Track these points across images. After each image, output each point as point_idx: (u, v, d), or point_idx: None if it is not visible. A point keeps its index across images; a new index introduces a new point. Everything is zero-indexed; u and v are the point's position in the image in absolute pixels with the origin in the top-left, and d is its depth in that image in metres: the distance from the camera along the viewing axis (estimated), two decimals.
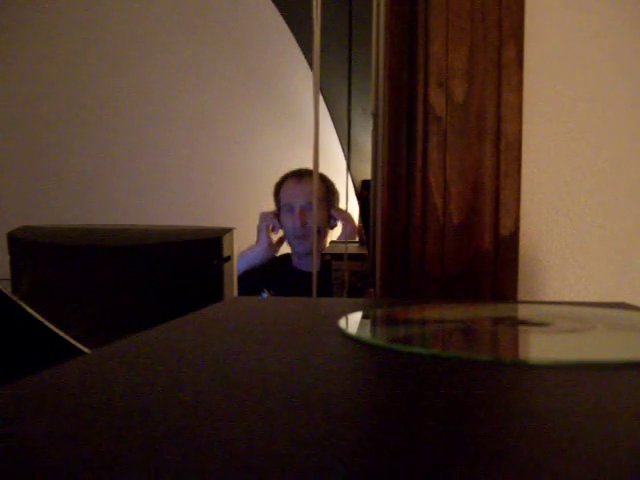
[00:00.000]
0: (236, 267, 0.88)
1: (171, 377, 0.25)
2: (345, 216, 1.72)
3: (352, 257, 1.20)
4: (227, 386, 0.24)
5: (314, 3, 0.71)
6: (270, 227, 1.71)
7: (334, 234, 1.81)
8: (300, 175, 1.71)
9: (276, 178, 1.78)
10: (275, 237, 1.74)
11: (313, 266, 0.87)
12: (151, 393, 0.22)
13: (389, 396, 0.23)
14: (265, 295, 1.63)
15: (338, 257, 1.18)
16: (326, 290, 1.26)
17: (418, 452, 0.17)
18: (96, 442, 0.17)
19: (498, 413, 0.21)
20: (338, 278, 1.16)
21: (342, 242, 1.62)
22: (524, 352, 0.34)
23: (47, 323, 0.57)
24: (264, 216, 1.72)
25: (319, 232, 1.68)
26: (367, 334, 0.38)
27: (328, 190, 1.73)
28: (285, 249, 1.78)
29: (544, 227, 0.62)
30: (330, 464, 0.16)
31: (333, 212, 1.71)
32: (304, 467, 0.15)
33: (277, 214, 1.73)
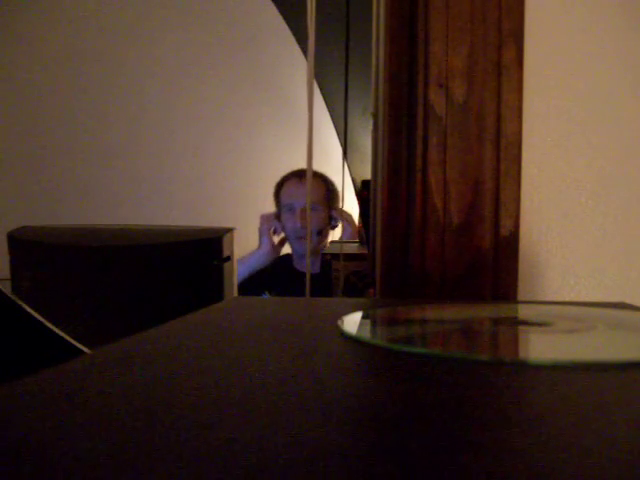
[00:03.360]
0: (236, 267, 0.88)
1: (171, 377, 0.25)
2: (346, 216, 1.72)
3: (352, 257, 1.20)
4: (227, 386, 0.24)
5: (308, 6, 0.71)
6: (272, 229, 1.70)
7: (335, 235, 1.81)
8: (300, 175, 1.70)
9: (276, 178, 1.77)
10: (277, 239, 1.73)
11: (307, 266, 0.87)
12: (151, 393, 0.22)
13: (389, 396, 0.23)
14: (267, 297, 1.62)
15: (338, 257, 1.18)
16: (327, 290, 1.26)
17: (418, 452, 0.17)
18: (96, 442, 0.17)
19: (498, 413, 0.21)
20: (338, 278, 1.16)
21: (342, 242, 1.62)
22: (524, 352, 0.34)
23: (47, 323, 0.57)
24: (265, 218, 1.70)
25: (320, 233, 1.68)
26: (367, 334, 0.38)
27: (328, 190, 1.72)
28: (285, 250, 1.78)
29: (544, 227, 0.62)
30: (330, 464, 0.16)
31: (334, 213, 1.71)
32: (303, 467, 0.15)
33: (278, 215, 1.71)
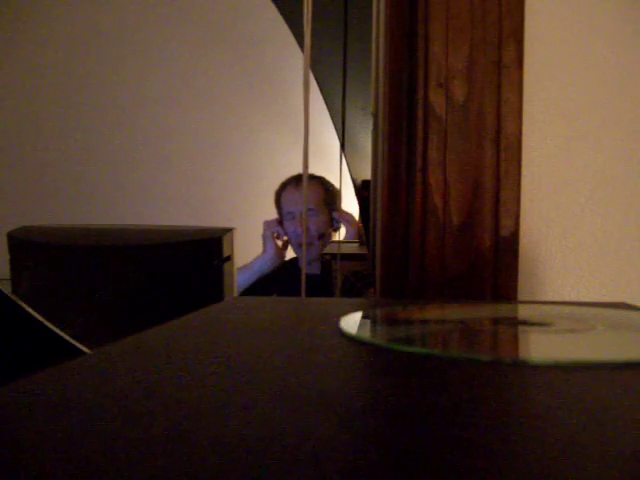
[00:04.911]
0: (237, 268, 0.88)
1: (171, 377, 0.25)
2: (347, 217, 1.72)
3: (352, 257, 1.20)
4: (227, 386, 0.24)
5: (305, 5, 0.71)
6: (275, 234, 1.71)
7: (340, 236, 1.81)
8: (298, 180, 1.71)
9: (276, 178, 1.78)
10: (280, 243, 1.74)
11: (302, 267, 0.87)
12: (151, 393, 0.22)
13: (389, 396, 0.23)
14: None
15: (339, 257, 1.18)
16: (328, 291, 1.26)
17: (418, 451, 0.17)
18: (96, 442, 0.17)
19: (498, 413, 0.21)
20: (337, 278, 1.16)
21: (341, 242, 1.62)
22: (524, 352, 0.34)
23: (47, 323, 0.57)
24: (268, 224, 1.72)
25: (322, 236, 1.68)
26: (367, 334, 0.38)
27: (327, 193, 1.72)
28: (291, 254, 1.79)
29: (544, 227, 0.62)
30: (330, 463, 0.16)
31: (335, 214, 1.71)
32: (303, 465, 0.15)
33: (280, 221, 1.73)
